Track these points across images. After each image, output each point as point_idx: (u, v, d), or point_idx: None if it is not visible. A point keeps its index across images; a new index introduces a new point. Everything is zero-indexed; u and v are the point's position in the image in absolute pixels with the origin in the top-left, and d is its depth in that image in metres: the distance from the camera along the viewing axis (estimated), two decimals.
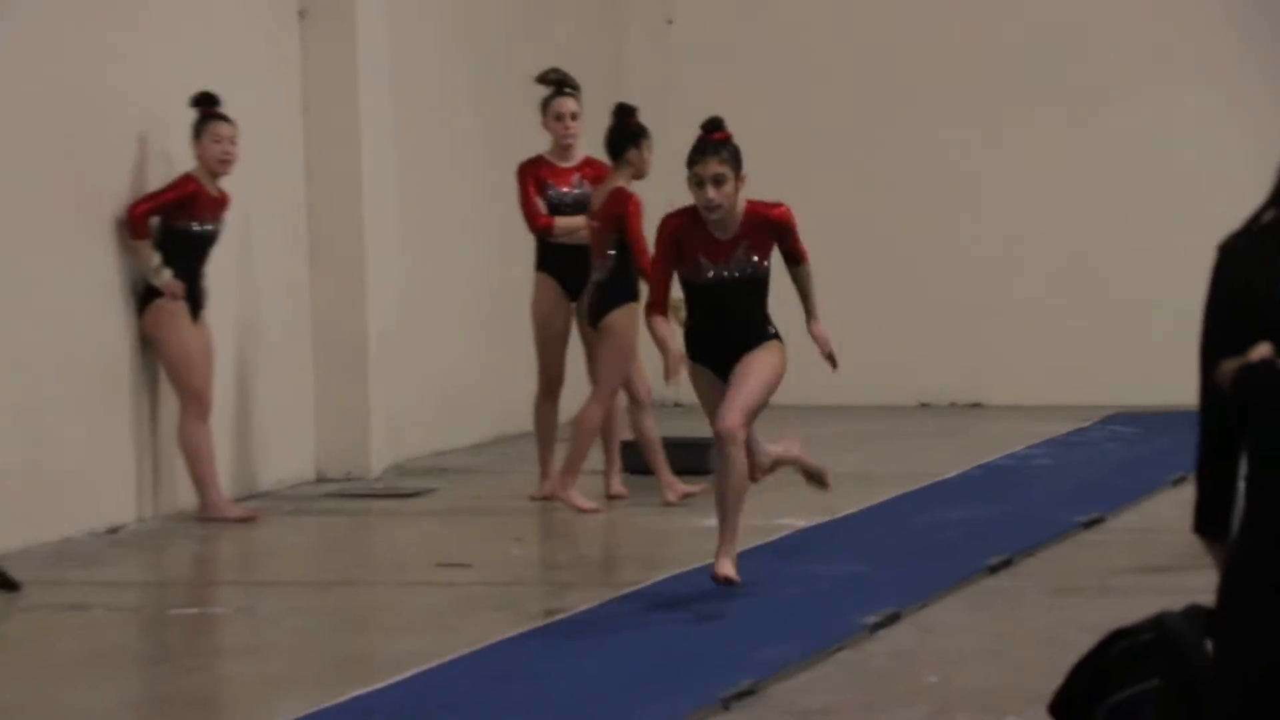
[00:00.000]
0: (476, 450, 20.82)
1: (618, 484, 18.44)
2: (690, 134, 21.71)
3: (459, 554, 16.14)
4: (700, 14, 25.08)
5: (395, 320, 20.31)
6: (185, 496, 17.81)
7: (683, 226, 12.39)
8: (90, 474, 17.35)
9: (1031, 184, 24.78)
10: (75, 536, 16.87)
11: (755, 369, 12.59)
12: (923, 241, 24.78)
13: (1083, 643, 6.20)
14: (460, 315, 20.80)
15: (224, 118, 17.47)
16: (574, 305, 18.12)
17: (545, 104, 18.03)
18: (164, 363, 17.54)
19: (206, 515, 17.54)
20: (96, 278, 17.43)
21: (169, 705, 12.40)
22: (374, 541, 17.88)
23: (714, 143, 12.04)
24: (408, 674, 12.06)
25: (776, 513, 17.29)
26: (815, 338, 12.89)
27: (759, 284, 12.62)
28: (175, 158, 17.71)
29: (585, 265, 17.87)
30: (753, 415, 12.63)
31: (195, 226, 17.36)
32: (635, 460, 18.59)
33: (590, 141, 18.35)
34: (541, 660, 12.43)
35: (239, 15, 19.08)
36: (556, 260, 18.15)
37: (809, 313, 12.96)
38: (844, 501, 17.59)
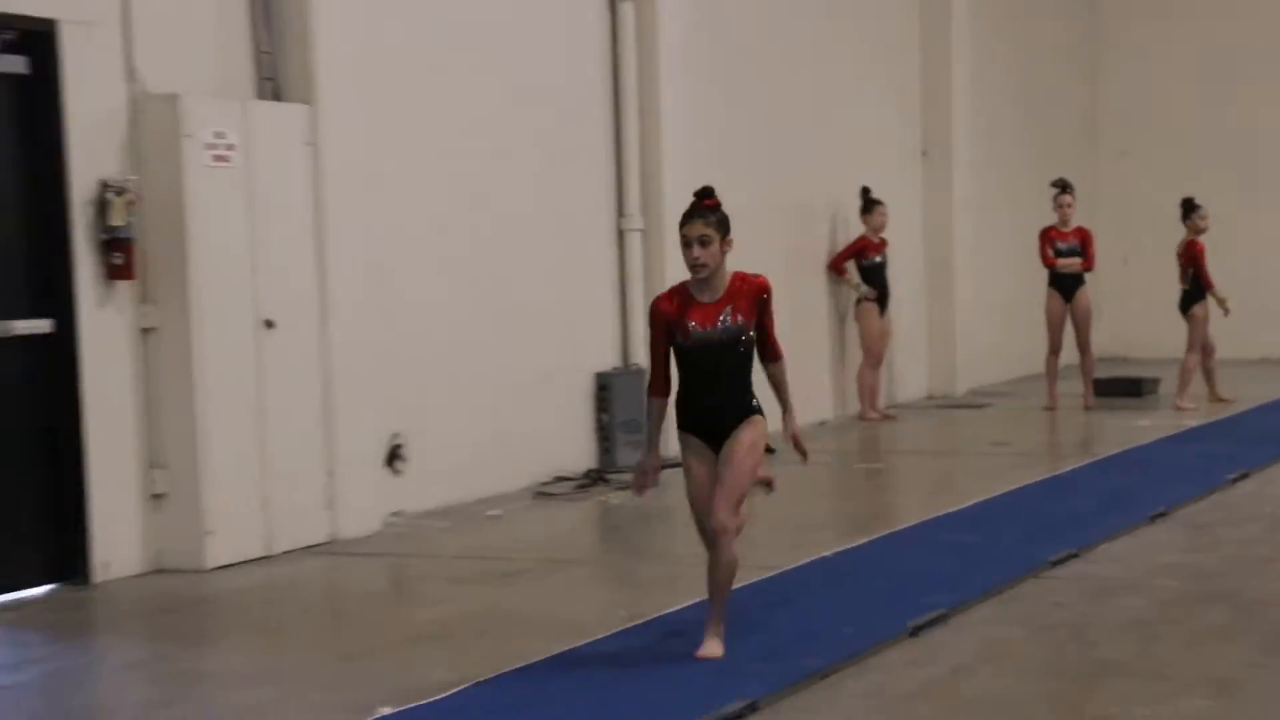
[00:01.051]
0: (1013, 383, 20.64)
1: (1090, 399, 18.42)
2: (1145, 227, 21.91)
3: (1003, 437, 16.19)
4: (1148, 146, 23.83)
5: (971, 304, 20.34)
6: (854, 406, 18.10)
7: (670, 305, 7.95)
8: (816, 390, 17.60)
9: None
10: (810, 424, 16.68)
11: (737, 460, 7.92)
12: None
13: None
14: (1000, 304, 20.69)
15: (880, 202, 17.55)
16: (1068, 305, 18.14)
17: (1055, 198, 18.22)
18: (860, 335, 17.68)
19: (862, 417, 17.77)
20: (814, 296, 17.80)
21: (857, 517, 12.57)
22: (958, 431, 17.52)
23: (702, 208, 7.97)
24: (969, 503, 12.24)
25: (1181, 418, 17.00)
26: (792, 438, 8.26)
27: (742, 345, 7.94)
28: (851, 224, 17.92)
29: (1074, 284, 18.22)
30: (740, 502, 7.97)
31: (872, 261, 17.49)
32: (1104, 389, 18.86)
33: (1077, 217, 18.49)
34: (1045, 497, 12.68)
35: (885, 149, 19.22)
36: (1059, 281, 18.23)
37: (784, 408, 8.27)
38: (1225, 408, 17.60)
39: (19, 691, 8.02)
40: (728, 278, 7.97)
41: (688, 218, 7.93)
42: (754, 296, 7.96)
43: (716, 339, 7.89)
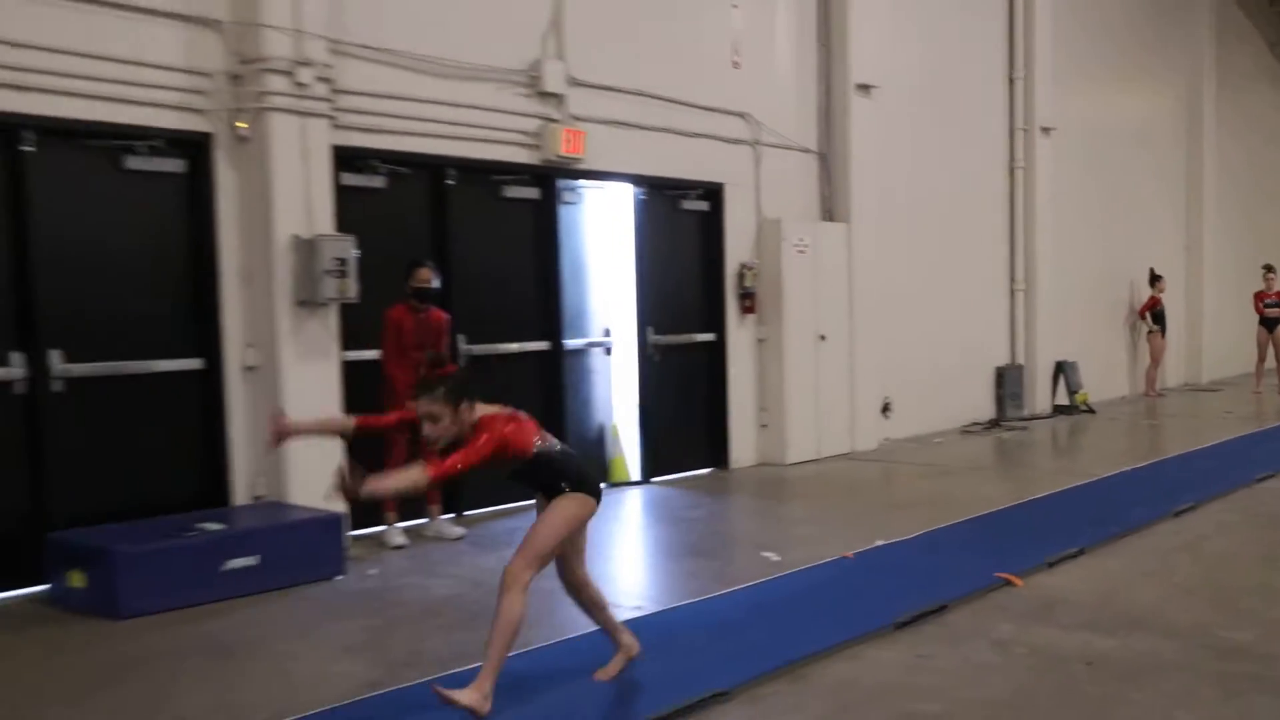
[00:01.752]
0: (1235, 377, 19.06)
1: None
2: None
3: (1229, 408, 15.06)
4: None
5: (1212, 332, 18.80)
6: (1141, 388, 17.02)
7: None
8: (1120, 377, 16.64)
9: None
10: (1116, 398, 16.25)
11: (544, 521, 4.40)
12: None
13: None
14: (1228, 331, 18.97)
15: (1162, 276, 16.68)
16: (1270, 335, 17.04)
17: (1264, 275, 17.20)
18: (1150, 349, 16.71)
19: (1145, 394, 16.78)
20: (1118, 328, 16.74)
21: (1143, 450, 11.55)
22: (1202, 404, 15.54)
23: (426, 382, 4.33)
24: (1208, 444, 11.51)
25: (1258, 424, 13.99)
26: (347, 483, 3.98)
27: (512, 463, 4.44)
28: (1140, 287, 16.88)
29: (1275, 324, 17.06)
30: (538, 562, 4.35)
31: (1158, 310, 16.50)
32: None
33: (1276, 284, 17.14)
34: (1255, 442, 11.85)
35: (1163, 241, 17.85)
36: (1265, 322, 17.21)
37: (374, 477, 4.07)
38: None
39: (694, 522, 8.32)
40: (474, 425, 4.38)
41: (415, 394, 4.39)
42: (469, 438, 4.35)
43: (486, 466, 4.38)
